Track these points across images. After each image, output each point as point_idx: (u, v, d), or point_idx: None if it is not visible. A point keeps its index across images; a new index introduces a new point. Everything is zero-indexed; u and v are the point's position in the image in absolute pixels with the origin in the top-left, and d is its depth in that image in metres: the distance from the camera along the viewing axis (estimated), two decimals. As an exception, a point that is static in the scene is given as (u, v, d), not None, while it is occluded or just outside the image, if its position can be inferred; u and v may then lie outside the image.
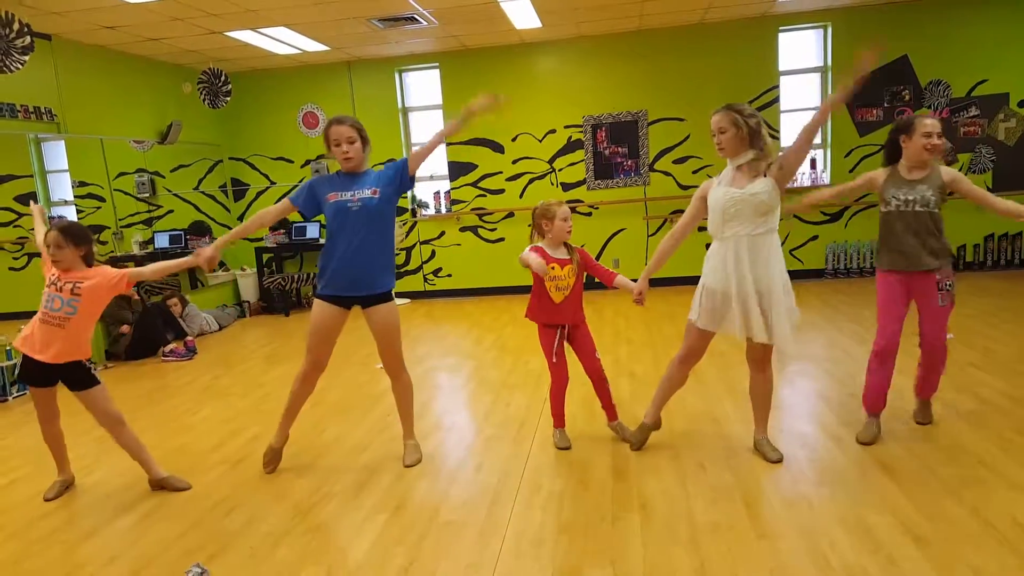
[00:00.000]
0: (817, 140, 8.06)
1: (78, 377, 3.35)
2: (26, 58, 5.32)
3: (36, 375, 3.35)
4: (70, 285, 3.22)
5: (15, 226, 6.14)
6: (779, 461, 3.30)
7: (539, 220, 3.67)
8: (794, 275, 8.75)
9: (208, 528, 3.06)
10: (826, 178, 7.98)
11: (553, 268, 3.56)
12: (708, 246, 3.30)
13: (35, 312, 3.31)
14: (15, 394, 5.45)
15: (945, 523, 2.67)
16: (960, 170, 7.69)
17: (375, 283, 3.42)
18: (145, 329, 6.47)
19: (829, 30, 7.78)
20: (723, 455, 3.44)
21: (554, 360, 3.63)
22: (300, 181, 8.75)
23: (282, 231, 8.62)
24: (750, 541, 2.65)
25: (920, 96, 7.68)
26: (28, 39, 5.28)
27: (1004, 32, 7.46)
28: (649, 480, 3.22)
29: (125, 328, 6.44)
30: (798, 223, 8.06)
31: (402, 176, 3.45)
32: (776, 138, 7.97)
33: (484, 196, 8.55)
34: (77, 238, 3.27)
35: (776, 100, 7.90)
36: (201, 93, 7.72)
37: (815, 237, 8.09)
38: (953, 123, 7.68)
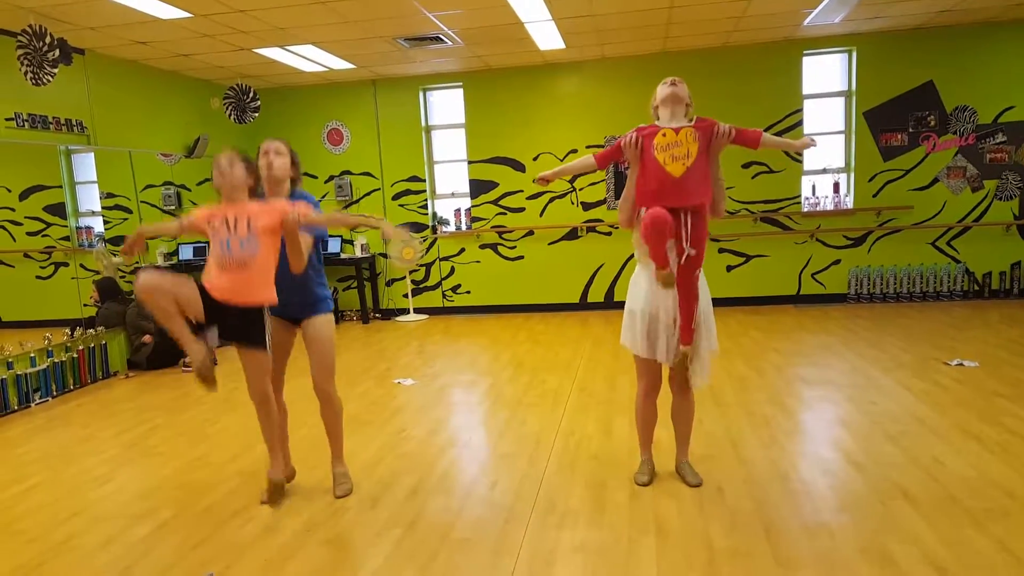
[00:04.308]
0: (840, 164, 8.04)
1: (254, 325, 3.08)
2: (56, 70, 5.45)
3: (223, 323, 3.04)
4: (244, 222, 2.97)
5: (43, 235, 6.25)
6: (698, 485, 3.27)
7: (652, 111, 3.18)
8: (816, 299, 8.72)
9: (223, 539, 3.07)
10: (849, 202, 7.92)
11: (665, 135, 3.00)
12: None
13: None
14: (38, 400, 5.52)
15: (969, 555, 2.61)
16: (986, 196, 7.64)
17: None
18: (167, 339, 6.50)
19: (854, 55, 7.75)
20: (742, 479, 3.39)
21: (670, 269, 2.97)
22: (323, 196, 8.84)
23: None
24: (769, 569, 2.60)
25: (945, 121, 7.62)
26: (58, 52, 5.40)
27: (1032, 60, 7.42)
28: (666, 502, 3.18)
29: (147, 338, 6.51)
30: (820, 247, 8.00)
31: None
32: (799, 161, 7.94)
33: (504, 214, 8.58)
34: (249, 164, 3.13)
35: (799, 123, 7.88)
36: (228, 108, 7.85)
37: (838, 261, 8.02)
38: (980, 149, 7.60)
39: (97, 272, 6.61)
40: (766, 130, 7.81)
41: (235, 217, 2.99)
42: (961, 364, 5.16)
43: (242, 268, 2.96)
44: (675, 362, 3.12)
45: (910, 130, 7.70)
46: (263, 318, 3.10)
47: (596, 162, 3.24)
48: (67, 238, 6.43)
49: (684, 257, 2.98)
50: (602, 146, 8.23)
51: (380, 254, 8.90)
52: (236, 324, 3.04)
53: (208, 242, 3.05)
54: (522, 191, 8.49)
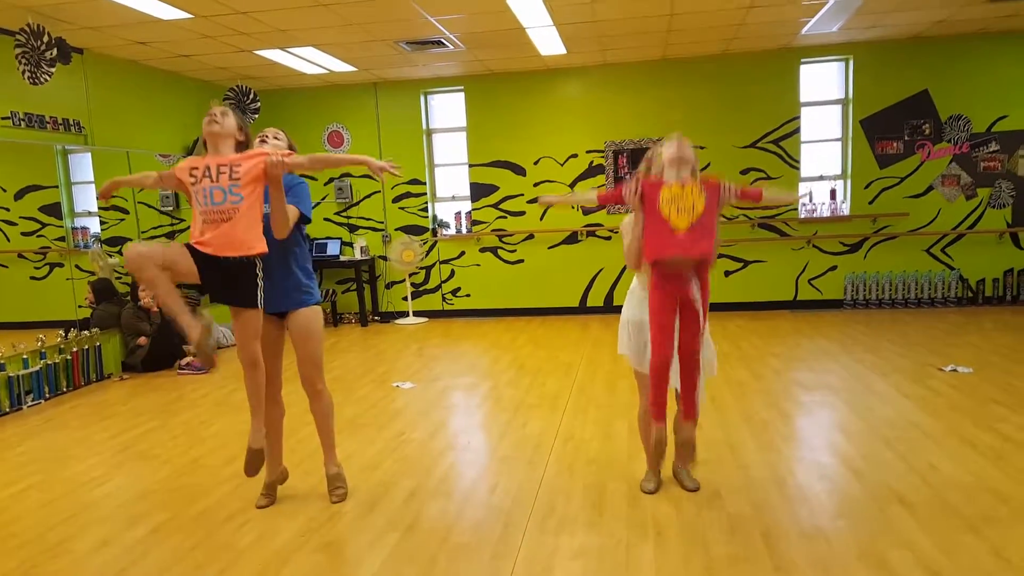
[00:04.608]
0: (837, 171, 8.08)
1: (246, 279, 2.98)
2: (53, 70, 5.44)
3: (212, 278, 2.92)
4: (226, 172, 2.90)
5: (38, 236, 6.23)
6: (695, 489, 3.29)
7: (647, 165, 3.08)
8: (813, 305, 8.75)
9: (219, 543, 3.06)
10: (846, 209, 7.95)
11: (671, 187, 2.93)
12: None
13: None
14: (30, 403, 5.49)
15: (965, 561, 2.62)
16: (980, 204, 7.69)
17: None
18: (162, 342, 6.51)
19: (851, 63, 7.79)
20: (741, 484, 3.39)
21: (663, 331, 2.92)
22: (323, 199, 8.84)
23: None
24: (766, 574, 2.60)
25: (940, 130, 7.67)
26: (55, 51, 5.38)
27: (1024, 71, 7.48)
28: (664, 507, 3.18)
29: (143, 340, 6.49)
30: (817, 253, 8.03)
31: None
32: (796, 168, 7.97)
33: (505, 218, 8.59)
34: (242, 120, 3.09)
35: (797, 131, 7.91)
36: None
37: (834, 267, 8.04)
38: (973, 158, 7.65)
39: (92, 273, 6.60)
40: (763, 137, 7.91)
41: (217, 165, 2.91)
42: (956, 370, 5.19)
43: (228, 218, 2.88)
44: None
45: (906, 138, 7.75)
46: (255, 273, 3.01)
47: (597, 199, 3.24)
48: (62, 239, 6.41)
49: (686, 321, 2.94)
50: (602, 151, 8.25)
51: (380, 257, 8.90)
52: (229, 280, 2.94)
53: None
54: (522, 195, 8.50)
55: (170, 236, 7.65)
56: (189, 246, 2.89)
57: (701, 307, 2.95)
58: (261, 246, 2.98)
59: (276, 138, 3.33)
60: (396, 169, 3.08)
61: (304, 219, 3.30)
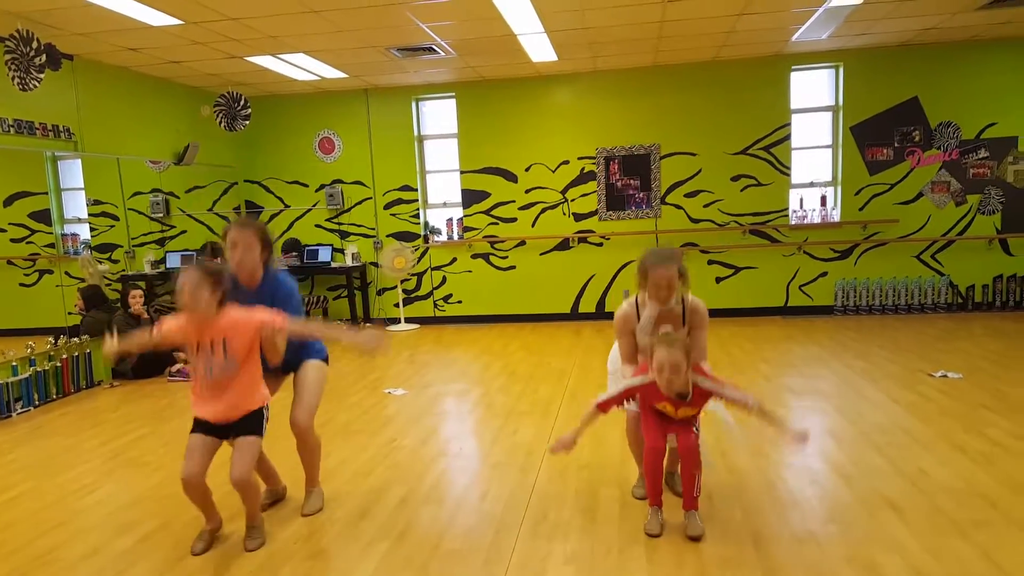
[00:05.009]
0: (827, 177, 8.12)
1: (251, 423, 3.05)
2: (43, 76, 5.42)
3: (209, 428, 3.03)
4: (220, 346, 2.89)
5: (28, 242, 6.20)
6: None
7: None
8: (803, 311, 8.77)
9: (209, 552, 3.04)
10: (836, 215, 7.99)
11: (664, 407, 2.99)
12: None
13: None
14: (19, 410, 5.46)
15: (954, 565, 2.63)
16: (970, 211, 7.74)
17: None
18: (152, 349, 6.46)
19: (841, 70, 7.85)
20: (732, 490, 3.40)
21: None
22: (314, 205, 8.84)
23: (294, 253, 8.67)
24: (757, 578, 2.61)
25: (930, 137, 7.72)
26: (45, 57, 5.37)
27: (1014, 79, 7.53)
28: (655, 513, 3.18)
29: (133, 346, 6.45)
30: (807, 259, 8.07)
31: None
32: (786, 175, 8.00)
33: (496, 224, 8.59)
34: (216, 280, 2.86)
35: (787, 138, 7.95)
36: (218, 116, 7.83)
37: (824, 274, 8.08)
38: (963, 164, 7.71)
39: (82, 280, 6.57)
40: (754, 144, 7.94)
41: (210, 340, 2.89)
42: (945, 375, 5.21)
43: (227, 388, 2.94)
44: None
45: (895, 145, 7.80)
46: (262, 413, 3.06)
47: (599, 409, 3.11)
48: (52, 245, 6.38)
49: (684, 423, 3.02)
50: (593, 158, 8.27)
51: (371, 263, 8.89)
52: (238, 428, 3.02)
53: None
54: (514, 201, 8.51)
55: (160, 243, 7.63)
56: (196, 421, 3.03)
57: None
58: (264, 396, 3.06)
59: (248, 249, 3.14)
60: (385, 349, 3.06)
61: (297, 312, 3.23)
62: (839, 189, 8.01)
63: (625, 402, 3.08)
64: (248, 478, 3.01)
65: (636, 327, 3.17)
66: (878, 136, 7.79)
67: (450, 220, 8.74)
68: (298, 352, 3.34)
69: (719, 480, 3.52)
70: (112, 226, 6.96)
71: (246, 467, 2.98)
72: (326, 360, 3.49)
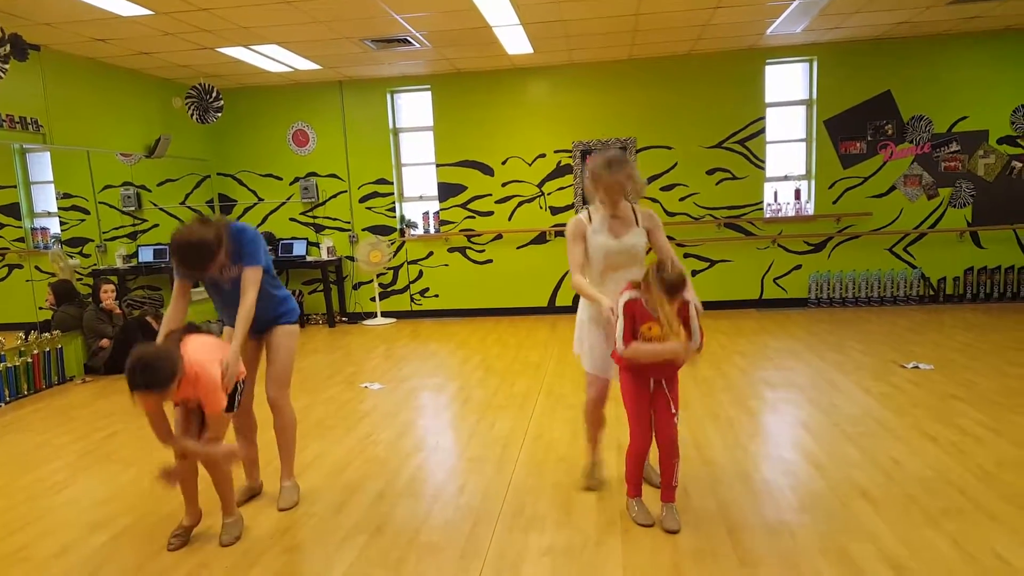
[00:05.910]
0: (801, 171, 8.20)
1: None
2: (7, 66, 5.30)
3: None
4: (194, 406, 2.98)
5: (-3, 236, 6.08)
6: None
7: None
8: (777, 304, 8.83)
9: (184, 547, 3.01)
10: (810, 209, 8.07)
11: (650, 327, 2.87)
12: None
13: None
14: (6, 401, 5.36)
15: (926, 553, 2.68)
16: (941, 204, 7.86)
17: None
18: (125, 343, 6.36)
19: (815, 64, 7.91)
20: (707, 481, 3.43)
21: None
22: (288, 199, 8.75)
23: (268, 247, 8.57)
24: (732, 568, 2.63)
25: (903, 130, 7.82)
26: (9, 47, 5.25)
27: (985, 73, 7.64)
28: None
29: (105, 342, 6.36)
30: (782, 252, 8.15)
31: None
32: (761, 168, 8.07)
33: (473, 218, 8.57)
34: (160, 381, 2.76)
35: (762, 131, 8.01)
36: (190, 108, 7.72)
37: (798, 267, 8.16)
38: (935, 158, 7.82)
39: (53, 274, 6.45)
40: (729, 137, 7.99)
41: (183, 401, 2.98)
42: (917, 367, 5.30)
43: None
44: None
45: (869, 138, 7.89)
46: (235, 393, 3.04)
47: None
48: (21, 239, 6.25)
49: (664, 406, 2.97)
50: (569, 151, 8.27)
51: (347, 257, 8.83)
52: None
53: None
54: (491, 195, 8.49)
55: (132, 237, 7.51)
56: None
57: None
58: (224, 401, 2.93)
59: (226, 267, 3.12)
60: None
61: (263, 268, 3.17)
62: (813, 183, 8.09)
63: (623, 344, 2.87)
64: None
65: (588, 231, 3.20)
66: (851, 130, 7.88)
67: (426, 214, 8.71)
68: (270, 313, 3.30)
69: (694, 472, 3.55)
70: (83, 220, 6.84)
71: (218, 433, 2.99)
72: (298, 321, 3.45)
